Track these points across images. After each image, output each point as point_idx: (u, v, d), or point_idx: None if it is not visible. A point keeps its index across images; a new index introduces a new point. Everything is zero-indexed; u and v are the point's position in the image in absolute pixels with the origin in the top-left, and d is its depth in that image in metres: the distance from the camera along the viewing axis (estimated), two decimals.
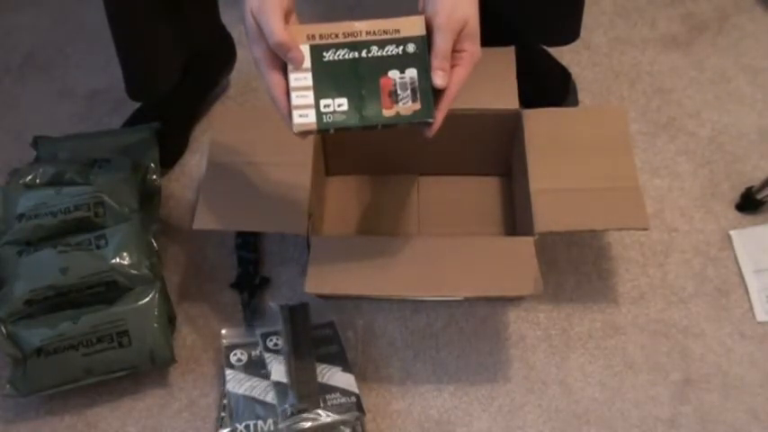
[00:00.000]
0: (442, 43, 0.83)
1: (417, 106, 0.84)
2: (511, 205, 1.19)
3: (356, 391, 0.99)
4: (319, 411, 0.95)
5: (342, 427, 0.96)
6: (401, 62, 0.85)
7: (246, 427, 0.95)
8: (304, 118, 0.82)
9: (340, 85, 0.83)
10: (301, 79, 0.83)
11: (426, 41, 0.84)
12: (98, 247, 1.04)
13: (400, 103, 0.84)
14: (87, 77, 1.41)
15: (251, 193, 1.02)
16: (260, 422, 0.95)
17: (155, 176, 1.17)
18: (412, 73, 0.84)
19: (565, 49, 1.32)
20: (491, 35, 1.35)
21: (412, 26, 0.85)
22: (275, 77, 0.82)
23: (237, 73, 1.36)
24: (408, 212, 1.18)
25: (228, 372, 1.01)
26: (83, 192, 1.08)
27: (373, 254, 0.97)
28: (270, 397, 0.97)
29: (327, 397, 0.97)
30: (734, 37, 1.42)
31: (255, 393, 0.98)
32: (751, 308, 1.11)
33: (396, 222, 1.17)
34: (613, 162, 1.05)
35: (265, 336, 1.05)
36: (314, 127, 0.82)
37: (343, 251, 0.97)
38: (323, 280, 0.95)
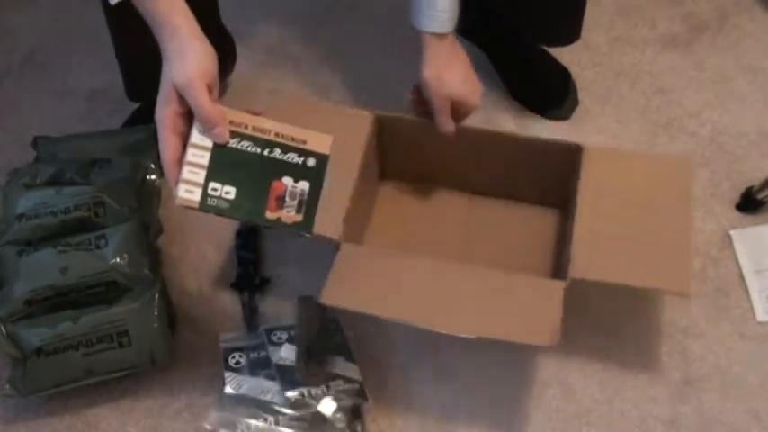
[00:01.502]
0: (438, 111, 1.02)
1: (299, 218, 0.86)
2: (562, 242, 1.12)
3: (360, 378, 1.00)
4: (323, 399, 0.96)
5: (340, 415, 0.97)
6: (298, 172, 0.87)
7: (247, 426, 0.95)
8: (189, 194, 0.83)
9: (233, 174, 0.85)
10: (198, 156, 0.83)
11: (327, 162, 0.87)
12: (98, 247, 1.04)
13: (284, 210, 0.86)
14: (87, 77, 1.41)
15: None
16: (260, 422, 0.95)
17: (155, 176, 1.17)
18: (304, 186, 0.87)
19: (565, 49, 1.32)
20: (492, 36, 1.36)
21: (319, 142, 0.88)
22: (172, 143, 0.83)
23: (238, 73, 1.37)
24: (455, 232, 1.15)
25: (227, 374, 1.01)
26: (83, 192, 1.08)
27: (397, 273, 0.93)
28: (270, 397, 0.97)
29: (332, 384, 0.98)
30: (734, 37, 1.42)
31: (255, 394, 0.98)
32: (751, 308, 1.11)
33: (440, 240, 1.14)
34: (667, 217, 0.99)
35: (269, 331, 1.05)
36: (195, 206, 0.83)
37: (369, 265, 0.94)
38: (340, 293, 0.92)
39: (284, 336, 1.04)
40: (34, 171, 1.13)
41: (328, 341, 1.04)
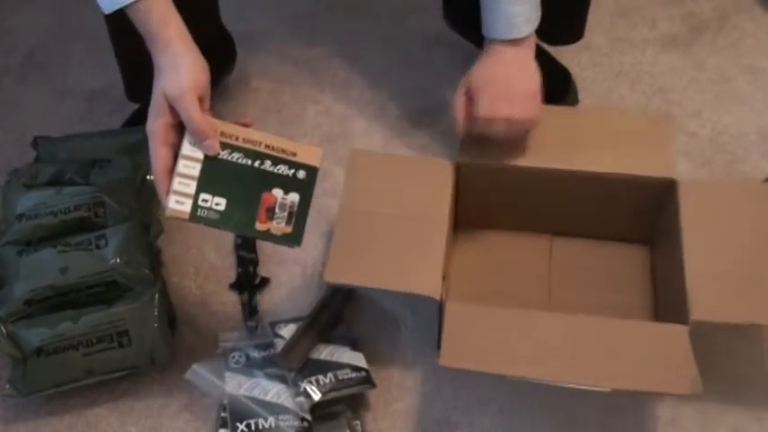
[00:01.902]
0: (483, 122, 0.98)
1: (289, 230, 0.87)
2: (653, 278, 1.09)
3: (366, 366, 1.01)
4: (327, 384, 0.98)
5: (344, 409, 0.98)
6: (288, 184, 0.88)
7: (247, 426, 0.95)
8: (179, 205, 0.84)
9: (224, 186, 0.85)
10: (189, 167, 0.84)
11: (317, 174, 0.88)
12: (98, 247, 1.04)
13: (274, 222, 0.87)
14: (87, 77, 1.41)
15: (384, 245, 0.97)
16: (260, 421, 0.95)
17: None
18: (294, 197, 0.88)
19: (565, 48, 1.32)
20: None
21: (309, 155, 0.89)
22: (162, 154, 0.84)
23: (237, 73, 1.37)
24: (540, 277, 1.10)
25: (228, 374, 1.01)
26: (83, 192, 1.08)
27: (510, 329, 0.90)
28: (270, 396, 0.97)
29: (338, 373, 0.99)
30: (734, 37, 1.42)
31: (255, 393, 0.98)
32: None
33: (525, 286, 1.10)
34: None
35: (274, 324, 1.06)
36: (186, 217, 0.84)
37: (479, 322, 0.91)
38: (460, 354, 0.88)
39: (291, 326, 1.05)
40: (34, 171, 1.13)
41: (333, 332, 1.05)
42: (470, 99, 1.01)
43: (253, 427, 0.95)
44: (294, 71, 1.41)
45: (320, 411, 0.97)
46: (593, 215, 1.08)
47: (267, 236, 0.87)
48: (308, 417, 0.95)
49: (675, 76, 1.37)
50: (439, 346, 0.89)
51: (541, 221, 1.12)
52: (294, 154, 0.88)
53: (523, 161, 1.02)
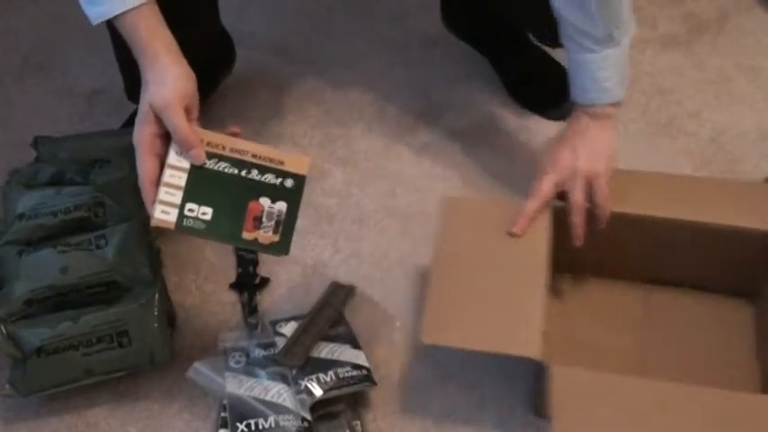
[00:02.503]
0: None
1: (276, 238, 0.87)
2: (757, 335, 1.03)
3: (367, 364, 1.01)
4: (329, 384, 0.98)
5: (344, 409, 0.98)
6: (275, 193, 0.87)
7: (247, 425, 0.95)
8: (165, 215, 0.84)
9: (210, 195, 0.85)
10: (175, 177, 0.84)
11: (304, 183, 0.88)
12: (98, 247, 1.04)
13: (261, 231, 0.87)
14: (87, 77, 1.41)
15: (481, 301, 0.93)
16: (260, 421, 0.95)
17: None
18: (281, 206, 0.87)
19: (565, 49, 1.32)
20: (492, 36, 1.36)
21: (296, 164, 0.89)
22: (149, 164, 0.84)
23: (237, 73, 1.37)
24: (634, 327, 1.05)
25: (228, 374, 1.01)
26: (83, 192, 1.08)
27: (622, 398, 0.85)
28: (270, 396, 0.97)
29: (339, 371, 0.99)
30: (734, 37, 1.42)
31: (255, 393, 0.98)
32: None
33: (618, 337, 1.04)
34: None
35: (275, 322, 1.06)
36: (171, 226, 0.84)
37: (589, 391, 0.86)
38: (574, 428, 0.83)
39: (292, 324, 1.05)
40: (34, 171, 1.13)
41: (332, 331, 1.05)
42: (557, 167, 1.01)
43: (253, 427, 0.95)
44: (294, 71, 1.41)
45: (320, 411, 0.97)
46: (694, 266, 1.04)
47: (254, 245, 0.87)
48: (309, 416, 0.95)
49: (675, 76, 1.37)
50: (538, 407, 0.88)
51: (639, 269, 1.08)
52: (282, 163, 0.88)
53: (622, 208, 0.99)
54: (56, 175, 1.12)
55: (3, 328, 1.00)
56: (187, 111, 0.85)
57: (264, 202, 0.87)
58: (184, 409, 1.04)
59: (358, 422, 0.99)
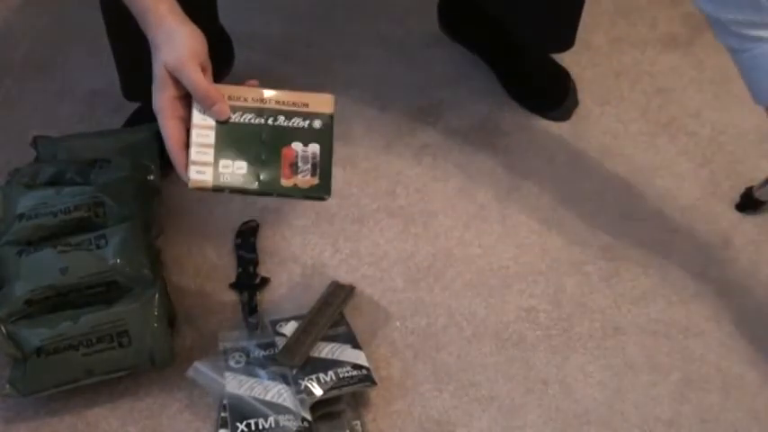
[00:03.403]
0: None
1: (315, 181, 0.86)
2: None
3: (367, 364, 1.01)
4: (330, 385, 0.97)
5: (344, 409, 0.98)
6: (306, 136, 0.86)
7: (247, 425, 0.95)
8: (201, 174, 0.83)
9: (242, 148, 0.84)
10: (203, 136, 0.83)
11: (333, 120, 0.87)
12: (98, 246, 1.03)
13: (299, 176, 0.86)
14: (87, 77, 1.41)
15: None
16: (260, 421, 0.95)
17: (154, 176, 1.17)
18: (315, 148, 0.86)
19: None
20: (491, 38, 1.36)
21: (321, 103, 0.88)
22: (175, 128, 0.83)
23: (237, 73, 1.36)
24: None
25: (227, 374, 1.01)
26: (83, 192, 1.08)
27: None
28: (270, 396, 0.97)
29: (339, 371, 0.99)
30: None
31: (255, 393, 0.98)
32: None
33: None
34: None
35: (275, 322, 1.06)
36: (209, 185, 0.83)
37: None
38: None
39: (292, 324, 1.05)
40: (34, 171, 1.13)
41: (332, 331, 1.05)
42: None
43: (253, 427, 0.95)
44: (294, 71, 1.41)
45: (320, 411, 0.97)
46: None
47: (295, 191, 0.85)
48: (309, 416, 0.95)
49: (675, 76, 1.37)
50: None
51: None
52: (306, 105, 0.87)
53: None
54: (56, 175, 1.12)
55: (3, 328, 1.00)
56: (202, 69, 0.83)
57: (297, 146, 0.86)
58: (184, 409, 1.04)
59: (358, 422, 0.99)
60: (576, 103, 1.34)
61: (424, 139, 1.32)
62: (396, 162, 1.29)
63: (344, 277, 1.15)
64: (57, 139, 1.21)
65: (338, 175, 1.25)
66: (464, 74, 1.41)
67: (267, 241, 1.19)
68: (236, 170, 0.84)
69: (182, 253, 1.19)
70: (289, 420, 0.95)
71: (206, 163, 0.83)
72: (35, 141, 1.20)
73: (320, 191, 0.86)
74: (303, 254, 1.18)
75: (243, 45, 1.36)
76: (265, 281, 1.15)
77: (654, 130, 1.31)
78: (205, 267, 1.17)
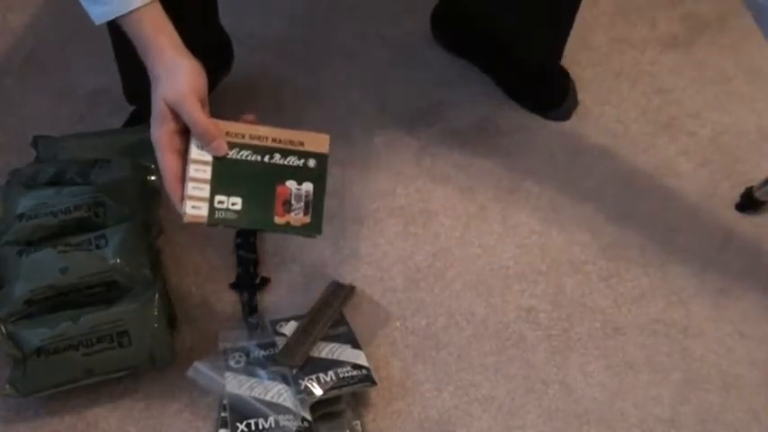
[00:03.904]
0: None
1: (307, 220, 0.88)
2: None
3: (367, 364, 1.01)
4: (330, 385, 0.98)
5: (344, 409, 0.98)
6: (300, 174, 0.88)
7: (247, 425, 0.95)
8: (196, 210, 0.84)
9: (237, 185, 0.86)
10: (200, 171, 0.84)
11: (327, 161, 0.89)
12: (98, 247, 1.03)
13: (292, 213, 0.87)
14: (87, 77, 1.41)
15: None
16: (260, 421, 0.95)
17: (155, 177, 1.17)
18: (308, 187, 0.88)
19: (565, 49, 1.32)
20: (485, 48, 1.37)
21: (317, 143, 0.90)
22: (173, 162, 0.84)
23: (237, 73, 1.36)
24: None
25: (228, 374, 1.01)
26: (83, 192, 1.08)
27: None
28: (270, 396, 0.97)
29: (339, 371, 0.99)
30: (734, 37, 1.42)
31: (255, 393, 0.98)
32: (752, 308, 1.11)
33: None
34: None
35: (275, 322, 1.06)
36: (204, 221, 0.84)
37: None
38: None
39: (292, 324, 1.05)
40: (34, 171, 1.13)
41: (332, 331, 1.05)
42: None
43: (253, 427, 0.95)
44: (294, 71, 1.41)
45: (320, 411, 0.97)
46: None
47: (288, 229, 0.87)
48: (309, 416, 0.95)
49: (675, 76, 1.37)
50: None
51: None
52: (302, 144, 0.89)
53: None
54: (56, 176, 1.12)
55: (3, 328, 1.00)
56: (201, 104, 0.84)
57: (291, 184, 0.88)
58: (184, 409, 1.04)
59: (358, 422, 0.99)
60: (576, 103, 1.34)
61: (424, 139, 1.32)
62: (396, 162, 1.29)
63: (344, 277, 1.15)
64: (57, 139, 1.21)
65: (338, 175, 1.26)
66: (464, 74, 1.41)
67: (267, 241, 1.19)
68: (230, 206, 0.85)
69: (182, 253, 1.19)
70: (289, 420, 0.95)
71: (202, 198, 0.84)
72: (35, 141, 1.20)
73: (311, 229, 0.88)
74: (303, 254, 1.18)
75: (243, 45, 1.36)
76: (265, 281, 1.15)
77: (654, 130, 1.31)
78: (205, 267, 1.17)
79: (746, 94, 1.34)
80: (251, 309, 1.11)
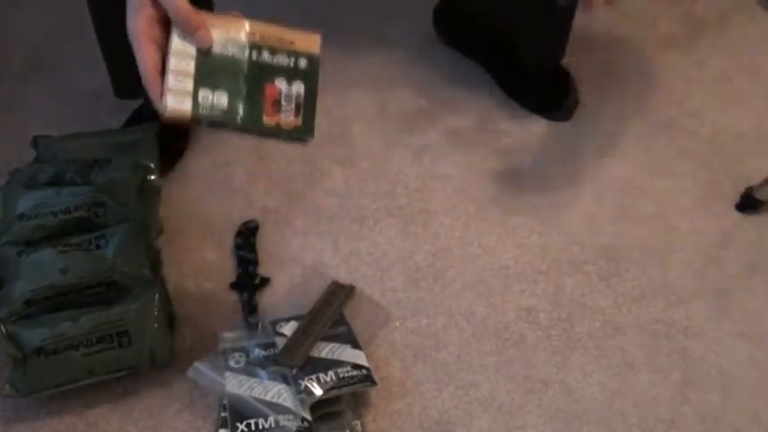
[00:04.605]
0: None
1: (299, 122, 0.82)
2: None
3: (367, 364, 1.01)
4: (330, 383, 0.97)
5: (344, 409, 0.98)
6: (290, 74, 0.82)
7: (247, 425, 0.95)
8: (179, 104, 0.77)
9: (223, 81, 0.79)
10: (182, 63, 0.77)
11: (319, 62, 0.83)
12: (98, 247, 1.03)
13: (282, 115, 0.81)
14: (87, 77, 1.41)
15: None
16: (260, 421, 0.95)
17: (155, 176, 1.17)
18: (299, 88, 0.82)
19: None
20: (487, 44, 1.37)
21: (307, 42, 0.83)
22: (150, 52, 0.76)
23: None
24: None
25: (228, 374, 1.01)
26: (83, 192, 1.08)
27: None
28: (270, 396, 0.97)
29: (339, 371, 0.99)
30: (734, 37, 1.42)
31: (255, 393, 0.98)
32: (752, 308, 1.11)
33: None
34: None
35: (275, 322, 1.06)
36: (187, 115, 0.77)
37: None
38: None
39: (292, 324, 1.05)
40: (34, 171, 1.13)
41: (332, 331, 1.05)
42: None
43: (253, 427, 0.95)
44: None
45: (320, 411, 0.97)
46: None
47: (277, 131, 0.81)
48: (309, 416, 0.95)
49: (675, 76, 1.37)
50: None
51: None
52: (292, 43, 0.83)
53: None
54: (56, 176, 1.12)
55: (3, 327, 1.00)
56: None
57: (280, 84, 0.82)
58: (184, 409, 1.04)
59: (358, 422, 0.99)
60: (576, 103, 1.34)
61: (423, 139, 1.32)
62: (396, 162, 1.29)
63: (344, 277, 1.15)
64: (57, 139, 1.21)
65: (338, 175, 1.26)
66: (464, 74, 1.41)
67: (267, 241, 1.19)
68: (216, 103, 0.79)
69: (182, 253, 1.19)
70: (289, 420, 0.95)
71: (184, 92, 0.77)
72: (35, 141, 1.20)
73: (303, 133, 0.82)
74: (303, 254, 1.18)
75: None
76: (265, 281, 1.15)
77: (654, 130, 1.31)
78: (205, 267, 1.17)
79: (746, 94, 1.34)
80: (251, 309, 1.11)
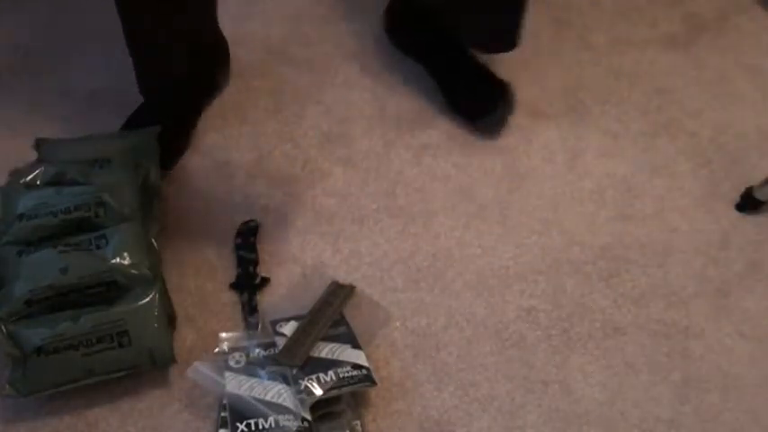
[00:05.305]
0: None
1: None
2: None
3: (367, 364, 1.01)
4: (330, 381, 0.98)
5: (344, 409, 0.98)
6: None
7: (247, 425, 0.95)
8: None
9: None
10: None
11: None
12: (98, 247, 1.03)
13: None
14: (87, 77, 1.41)
15: None
16: (260, 421, 0.95)
17: (155, 177, 1.17)
18: None
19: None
20: (434, 41, 1.36)
21: None
22: None
23: (237, 73, 1.37)
24: None
25: (228, 374, 1.01)
26: (83, 192, 1.08)
27: None
28: (270, 396, 0.97)
29: (339, 371, 0.99)
30: (734, 37, 1.42)
31: (255, 393, 0.98)
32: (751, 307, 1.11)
33: None
34: None
35: (275, 322, 1.06)
36: None
37: None
38: None
39: (292, 324, 1.05)
40: (35, 171, 1.13)
41: (332, 331, 1.05)
42: None
43: (253, 427, 0.95)
44: (294, 71, 1.41)
45: (320, 411, 0.97)
46: None
47: None
48: (309, 416, 0.95)
49: (675, 76, 1.37)
50: None
51: None
52: None
53: None
54: (56, 176, 1.12)
55: (3, 327, 1.00)
56: None
57: None
58: (184, 409, 1.04)
59: (358, 422, 0.99)
60: (509, 112, 1.30)
61: (423, 139, 1.32)
62: (396, 162, 1.29)
63: (344, 277, 1.15)
64: (58, 141, 1.21)
65: (338, 175, 1.26)
66: None
67: (267, 241, 1.19)
68: None
69: (182, 253, 1.19)
70: (289, 420, 0.95)
71: None
72: (37, 143, 1.20)
73: None
74: (303, 254, 1.18)
75: (243, 45, 1.36)
76: (265, 281, 1.15)
77: (654, 130, 1.31)
78: (205, 267, 1.17)
79: (746, 94, 1.34)
80: (251, 309, 1.11)
